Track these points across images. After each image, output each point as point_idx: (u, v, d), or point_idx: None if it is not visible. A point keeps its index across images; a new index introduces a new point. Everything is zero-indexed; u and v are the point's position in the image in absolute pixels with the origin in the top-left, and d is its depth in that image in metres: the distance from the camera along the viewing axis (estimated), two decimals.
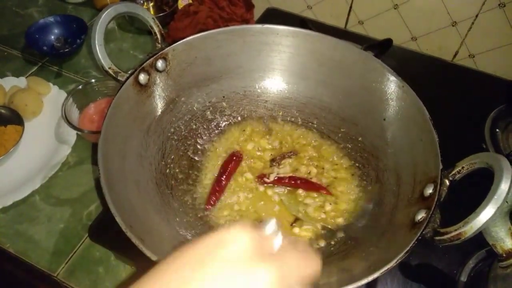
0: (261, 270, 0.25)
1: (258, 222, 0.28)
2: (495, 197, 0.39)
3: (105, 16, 0.55)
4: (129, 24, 0.93)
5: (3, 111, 0.71)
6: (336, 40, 0.62)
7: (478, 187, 0.42)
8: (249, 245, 0.25)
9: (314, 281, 0.29)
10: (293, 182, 0.59)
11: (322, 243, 0.54)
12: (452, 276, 0.57)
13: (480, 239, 0.44)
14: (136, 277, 0.26)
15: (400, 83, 0.57)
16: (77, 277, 0.57)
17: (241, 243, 0.25)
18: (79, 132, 0.68)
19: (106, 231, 0.59)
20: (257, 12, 0.94)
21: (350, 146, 0.63)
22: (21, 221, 0.62)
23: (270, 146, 0.65)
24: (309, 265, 0.28)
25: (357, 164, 0.62)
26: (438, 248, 0.44)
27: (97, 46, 0.54)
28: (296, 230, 0.56)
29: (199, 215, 0.56)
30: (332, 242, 0.53)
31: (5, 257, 0.59)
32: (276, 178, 0.60)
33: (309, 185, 0.59)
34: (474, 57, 0.86)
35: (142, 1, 0.96)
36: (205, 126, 0.65)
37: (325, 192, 0.58)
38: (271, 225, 0.28)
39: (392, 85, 0.58)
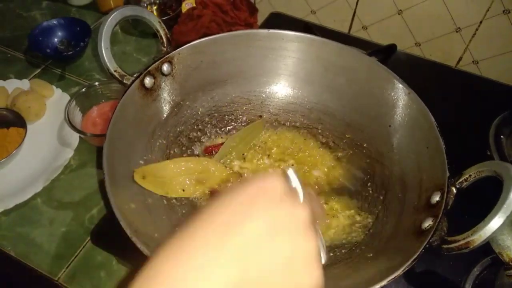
0: (299, 209, 0.27)
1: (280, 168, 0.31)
2: (505, 206, 0.39)
3: (111, 20, 0.55)
4: (132, 27, 0.93)
5: (5, 113, 0.71)
6: (342, 46, 0.62)
7: (485, 195, 0.42)
8: (284, 190, 0.28)
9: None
10: None
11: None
12: (457, 283, 0.56)
13: (485, 247, 0.43)
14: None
15: (407, 90, 0.56)
16: (78, 281, 0.57)
17: (279, 188, 0.28)
18: (82, 135, 0.68)
19: (108, 235, 0.58)
20: (261, 17, 0.95)
21: (355, 152, 0.63)
22: (22, 224, 0.62)
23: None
24: (321, 211, 0.33)
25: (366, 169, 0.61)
26: (443, 255, 0.44)
27: (103, 49, 0.54)
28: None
29: None
30: (337, 249, 0.53)
31: (6, 260, 0.59)
32: None
33: None
34: (478, 63, 0.86)
35: (146, 5, 0.96)
36: (209, 130, 0.65)
37: None
38: (295, 176, 0.30)
39: (398, 91, 0.58)
